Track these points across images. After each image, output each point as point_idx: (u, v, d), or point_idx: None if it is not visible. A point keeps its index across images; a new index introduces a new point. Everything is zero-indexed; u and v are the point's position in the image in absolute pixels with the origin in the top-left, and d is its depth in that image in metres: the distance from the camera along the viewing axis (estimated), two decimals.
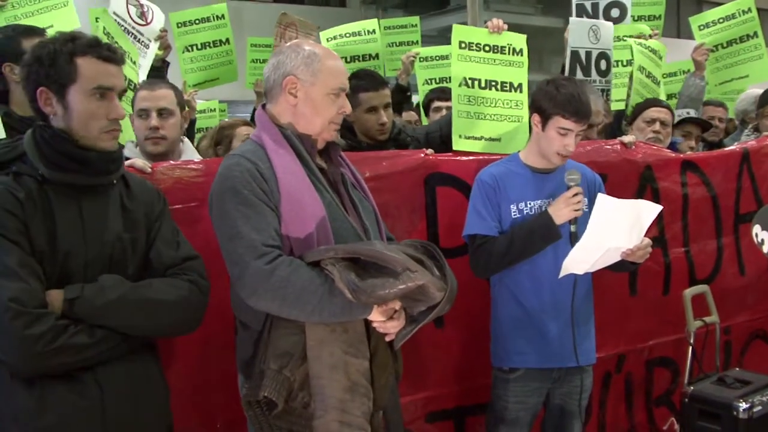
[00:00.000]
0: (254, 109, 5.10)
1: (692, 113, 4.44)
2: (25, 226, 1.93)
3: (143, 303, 2.03)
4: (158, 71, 4.10)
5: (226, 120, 4.09)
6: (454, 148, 3.33)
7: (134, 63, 3.56)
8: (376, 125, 3.53)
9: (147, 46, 3.98)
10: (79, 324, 1.94)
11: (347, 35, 4.62)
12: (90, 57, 2.02)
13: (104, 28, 3.29)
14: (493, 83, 3.43)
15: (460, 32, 3.43)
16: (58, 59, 1.99)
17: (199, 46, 4.73)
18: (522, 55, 3.50)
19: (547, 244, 2.84)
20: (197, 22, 4.72)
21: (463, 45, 3.41)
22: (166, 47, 4.14)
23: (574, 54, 4.17)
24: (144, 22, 3.93)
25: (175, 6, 4.96)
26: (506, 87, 3.45)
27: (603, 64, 4.19)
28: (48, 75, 2.00)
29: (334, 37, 4.53)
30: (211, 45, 4.76)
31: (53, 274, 1.96)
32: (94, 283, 1.99)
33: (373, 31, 4.66)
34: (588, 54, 4.18)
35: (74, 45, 2.02)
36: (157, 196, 2.26)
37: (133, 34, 3.88)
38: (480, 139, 3.38)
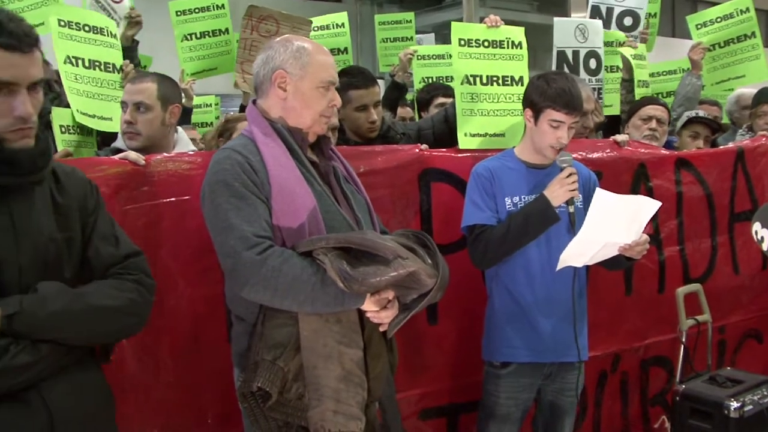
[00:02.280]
0: (241, 104, 5.10)
1: (701, 113, 4.41)
2: None
3: (89, 312, 1.86)
4: (128, 51, 4.06)
5: (234, 114, 4.06)
6: (461, 146, 3.31)
7: (114, 36, 3.52)
8: (366, 123, 3.50)
9: (118, 24, 3.96)
10: (21, 341, 1.75)
11: (316, 29, 4.60)
12: None
13: (59, 20, 3.26)
14: (494, 78, 3.42)
15: (458, 29, 3.41)
16: None
17: (198, 35, 4.69)
18: (521, 48, 3.49)
19: (545, 228, 2.83)
20: (197, 11, 4.68)
21: (462, 42, 3.39)
22: (137, 23, 4.08)
23: (561, 54, 4.18)
24: (117, 1, 3.92)
25: None
26: (507, 81, 3.44)
27: (593, 63, 4.19)
28: None
29: None
30: (210, 34, 4.72)
31: None
32: (34, 294, 1.79)
33: (342, 24, 4.63)
34: (575, 53, 4.18)
35: None
36: (89, 187, 2.05)
37: (107, 11, 3.86)
38: (485, 135, 3.37)
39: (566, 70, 4.12)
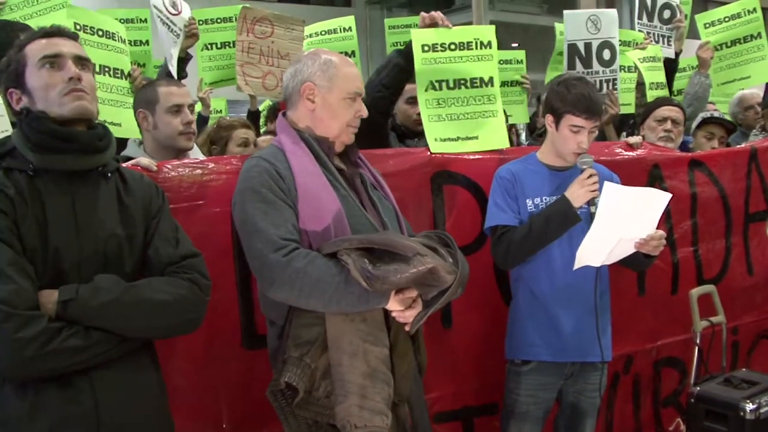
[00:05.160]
0: (249, 110, 5.08)
1: (717, 113, 4.38)
2: (15, 224, 1.88)
3: (140, 304, 1.97)
4: (181, 62, 4.09)
5: (226, 119, 4.05)
6: (432, 151, 3.26)
7: (123, 42, 3.54)
8: (414, 115, 3.64)
9: (178, 36, 3.99)
10: (74, 326, 1.87)
11: (324, 33, 4.61)
12: (35, 40, 2.03)
13: (75, 24, 3.28)
14: (462, 82, 3.35)
15: (419, 36, 3.31)
16: (11, 57, 2.02)
17: (219, 45, 4.69)
18: (491, 47, 3.40)
19: (567, 228, 2.85)
20: (219, 21, 4.69)
21: (426, 48, 3.31)
22: (192, 35, 4.13)
23: (572, 47, 4.15)
24: (176, 12, 3.94)
25: (199, 3, 4.93)
26: (476, 83, 3.37)
27: (607, 54, 4.15)
28: (8, 75, 2.02)
29: (310, 35, 4.51)
30: (231, 45, 4.72)
31: (45, 272, 1.90)
32: (89, 284, 1.92)
33: (350, 28, 4.64)
34: (587, 45, 4.15)
35: (22, 38, 2.07)
36: (155, 191, 2.22)
37: (167, 24, 3.89)
38: (456, 139, 3.30)
39: (578, 63, 4.11)
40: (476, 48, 3.38)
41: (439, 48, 3.31)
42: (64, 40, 2.05)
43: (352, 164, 2.48)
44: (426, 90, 3.30)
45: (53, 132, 1.96)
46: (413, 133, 3.69)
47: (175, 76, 3.87)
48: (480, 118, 3.35)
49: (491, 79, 3.38)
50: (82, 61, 2.06)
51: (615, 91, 4.17)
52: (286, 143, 2.35)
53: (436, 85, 3.32)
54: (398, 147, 3.59)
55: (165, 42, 3.88)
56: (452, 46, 3.33)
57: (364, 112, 2.44)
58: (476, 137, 3.33)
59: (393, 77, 3.27)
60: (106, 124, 3.26)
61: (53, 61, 2.00)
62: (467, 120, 3.33)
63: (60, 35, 2.06)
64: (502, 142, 3.37)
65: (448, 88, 3.33)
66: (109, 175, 2.09)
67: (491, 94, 3.37)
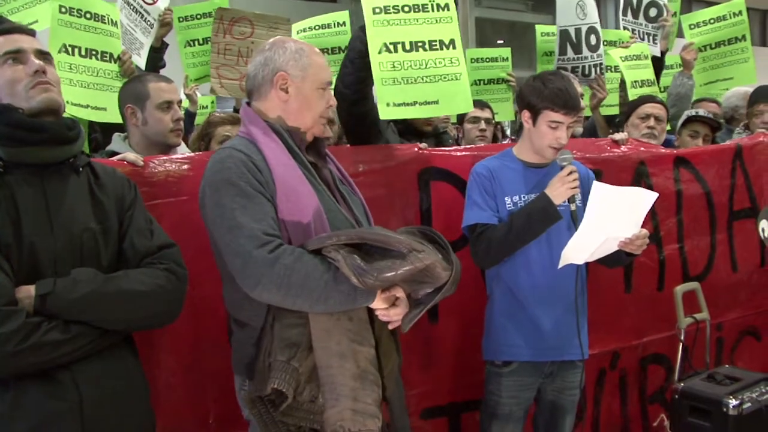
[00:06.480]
0: (234, 108, 5.05)
1: (701, 112, 4.41)
2: None
3: (118, 295, 1.96)
4: (158, 51, 4.05)
5: (217, 115, 4.04)
6: (382, 117, 3.17)
7: (115, 25, 3.51)
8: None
9: (152, 26, 3.95)
10: (53, 320, 1.86)
11: (317, 27, 4.61)
12: None
13: (61, 7, 3.25)
14: (420, 44, 3.19)
15: (370, 1, 3.18)
16: None
17: (201, 41, 4.68)
18: (449, 9, 3.28)
19: (547, 226, 2.83)
20: (199, 17, 4.68)
21: (377, 10, 3.14)
22: (166, 24, 4.09)
23: (564, 33, 4.15)
24: (151, 1, 3.91)
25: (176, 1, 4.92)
26: (436, 45, 3.23)
27: (593, 39, 4.16)
28: None
29: (304, 30, 4.49)
30: None
31: (21, 268, 1.89)
32: (67, 277, 1.91)
33: (344, 23, 4.64)
34: (577, 31, 4.16)
35: None
36: (127, 185, 2.19)
37: (140, 13, 3.85)
38: (413, 104, 3.16)
39: (569, 49, 4.11)
40: (433, 10, 3.25)
41: (392, 10, 3.18)
42: (23, 36, 2.05)
43: (321, 158, 2.38)
44: (379, 52, 3.10)
45: (22, 123, 1.95)
46: (418, 132, 3.57)
47: (143, 66, 3.83)
48: (441, 81, 3.21)
49: (452, 41, 3.25)
50: (43, 55, 2.06)
51: (602, 75, 4.18)
52: (256, 134, 2.21)
53: (391, 47, 3.14)
54: (398, 142, 3.53)
55: (135, 33, 3.84)
56: (405, 8, 3.20)
57: (334, 103, 2.37)
58: (436, 101, 3.21)
59: (354, 50, 3.14)
60: (91, 108, 3.28)
61: (15, 56, 2.00)
62: (426, 84, 3.19)
63: (18, 31, 2.06)
64: (466, 105, 3.30)
65: (405, 50, 3.17)
66: (81, 169, 2.08)
67: (453, 57, 3.23)
